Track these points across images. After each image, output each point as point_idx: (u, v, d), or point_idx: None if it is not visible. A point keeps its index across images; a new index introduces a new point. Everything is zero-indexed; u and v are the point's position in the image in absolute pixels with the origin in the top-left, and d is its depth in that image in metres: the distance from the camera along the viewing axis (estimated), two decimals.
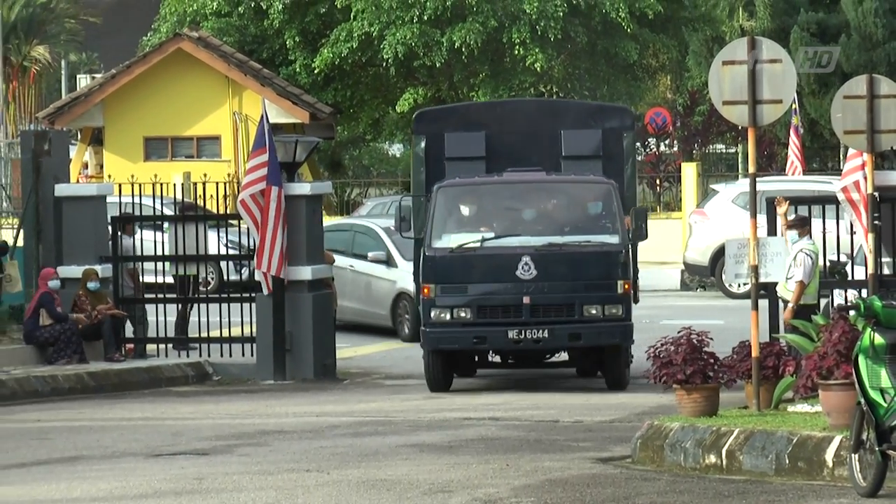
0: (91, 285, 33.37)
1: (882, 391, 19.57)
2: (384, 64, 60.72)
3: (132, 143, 57.59)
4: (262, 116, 34.53)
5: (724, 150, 67.50)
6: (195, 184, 38.53)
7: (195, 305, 35.65)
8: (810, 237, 27.96)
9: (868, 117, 24.99)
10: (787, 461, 21.62)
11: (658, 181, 63.81)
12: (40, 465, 23.32)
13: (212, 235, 37.62)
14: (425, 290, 31.39)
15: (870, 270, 26.63)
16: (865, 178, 25.63)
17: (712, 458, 22.28)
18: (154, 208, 38.10)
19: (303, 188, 35.24)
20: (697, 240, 47.01)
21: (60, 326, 32.82)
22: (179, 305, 35.85)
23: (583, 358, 33.89)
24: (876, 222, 26.40)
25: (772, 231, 27.91)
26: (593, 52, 61.72)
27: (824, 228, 28.99)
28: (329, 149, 63.48)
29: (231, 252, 40.45)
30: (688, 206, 53.31)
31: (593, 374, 33.75)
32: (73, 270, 33.54)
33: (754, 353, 24.36)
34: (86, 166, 59.92)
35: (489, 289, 31.66)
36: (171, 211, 38.89)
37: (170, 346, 35.16)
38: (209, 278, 40.77)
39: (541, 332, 31.11)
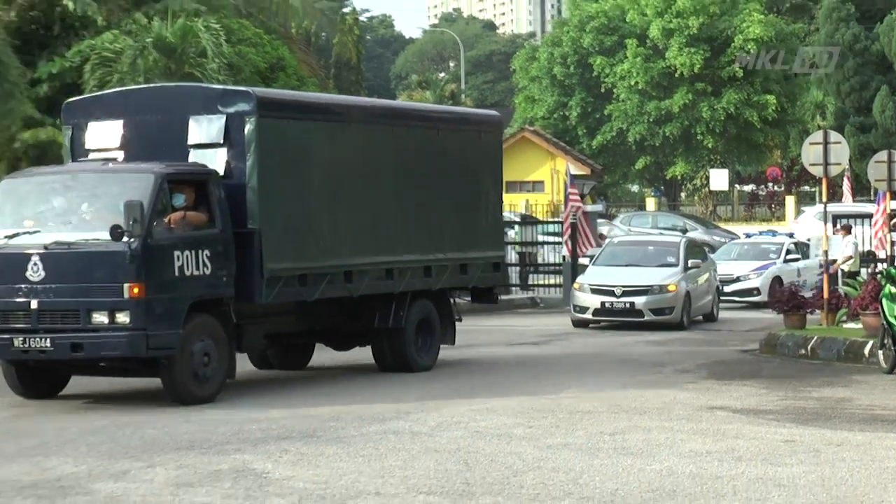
0: None
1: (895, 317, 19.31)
2: (629, 144, 60.60)
3: None
4: (567, 171, 34.54)
5: (809, 189, 66.28)
6: (530, 205, 38.61)
7: (531, 268, 35.79)
8: (853, 235, 27.81)
9: (888, 173, 24.53)
10: (843, 353, 21.12)
11: (772, 206, 62.99)
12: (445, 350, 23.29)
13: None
14: None
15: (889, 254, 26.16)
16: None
17: (802, 351, 21.80)
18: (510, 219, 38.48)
19: (593, 207, 35.42)
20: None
21: None
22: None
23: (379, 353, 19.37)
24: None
25: (833, 233, 27.44)
26: (738, 137, 60.87)
27: (862, 230, 28.67)
28: (600, 187, 63.18)
29: (548, 240, 40.48)
30: (789, 219, 52.34)
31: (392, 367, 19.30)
32: None
33: (825, 295, 23.94)
34: None
35: (1, 291, 15.66)
36: (518, 219, 39.04)
37: (517, 288, 35.12)
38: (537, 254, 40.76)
39: (44, 341, 15.43)
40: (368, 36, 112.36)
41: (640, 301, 26.47)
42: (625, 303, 26.52)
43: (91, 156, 17.37)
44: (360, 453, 12.67)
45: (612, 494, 10.90)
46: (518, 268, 35.45)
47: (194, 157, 16.90)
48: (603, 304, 26.62)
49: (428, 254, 19.63)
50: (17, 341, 15.55)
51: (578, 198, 32.93)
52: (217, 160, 16.86)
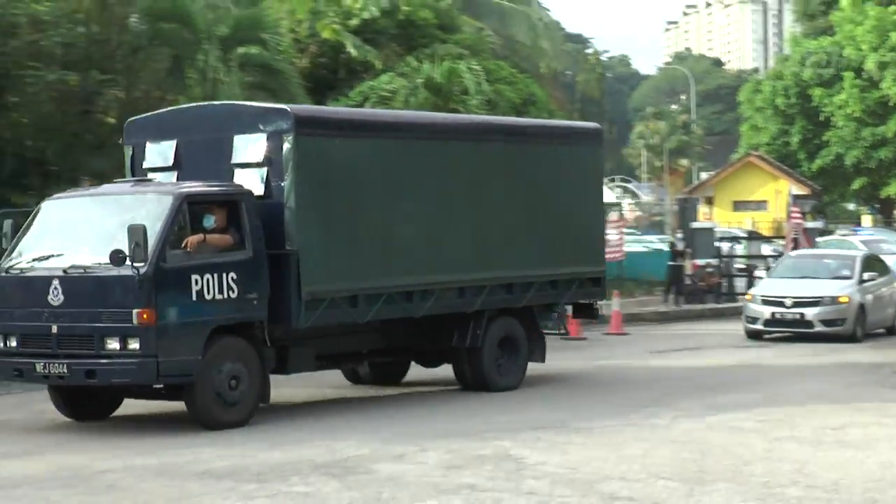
0: (709, 269, 32.90)
1: None
2: (846, 167, 58.93)
3: (727, 203, 56.73)
4: (789, 191, 33.79)
5: None
6: (755, 222, 37.85)
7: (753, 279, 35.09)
8: None
9: None
10: None
11: None
12: (668, 352, 22.66)
13: (764, 247, 37.17)
14: None
15: None
16: None
17: None
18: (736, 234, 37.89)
19: (813, 223, 34.55)
20: None
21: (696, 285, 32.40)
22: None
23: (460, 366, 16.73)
24: None
25: None
26: None
27: None
28: (819, 206, 61.42)
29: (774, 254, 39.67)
30: None
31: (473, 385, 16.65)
32: (700, 262, 33.00)
33: None
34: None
35: (26, 315, 13.73)
36: (745, 234, 38.30)
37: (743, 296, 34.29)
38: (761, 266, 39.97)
39: (62, 366, 13.42)
40: (609, 73, 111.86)
41: (810, 312, 23.91)
42: (795, 314, 23.99)
43: (150, 175, 15.13)
44: (604, 442, 12.62)
45: (835, 484, 10.62)
46: (745, 278, 34.69)
47: (238, 176, 14.50)
48: (773, 314, 24.12)
49: (508, 271, 16.62)
50: (39, 366, 13.58)
51: (800, 215, 32.13)
52: (258, 180, 14.44)
